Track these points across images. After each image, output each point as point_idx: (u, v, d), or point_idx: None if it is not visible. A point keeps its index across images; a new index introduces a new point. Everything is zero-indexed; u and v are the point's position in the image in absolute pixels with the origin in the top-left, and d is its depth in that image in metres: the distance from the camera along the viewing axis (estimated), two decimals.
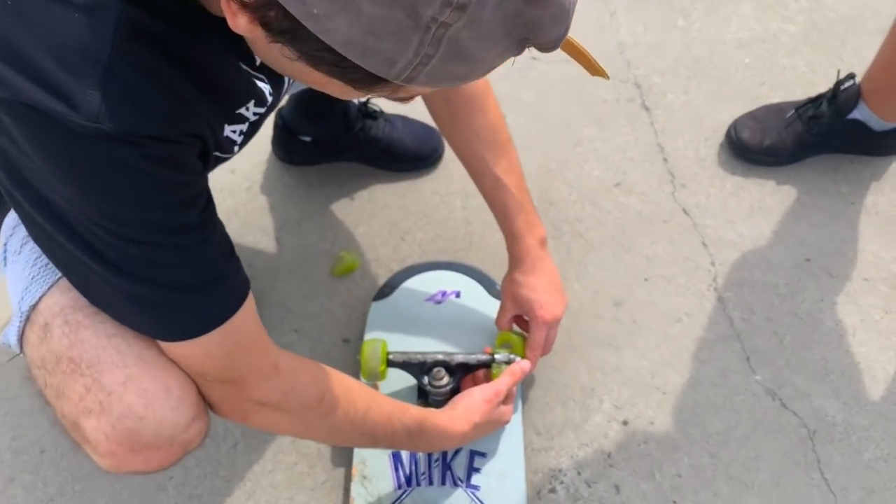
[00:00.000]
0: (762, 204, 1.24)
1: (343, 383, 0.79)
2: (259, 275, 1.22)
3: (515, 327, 1.03)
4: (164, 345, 0.65)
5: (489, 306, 1.10)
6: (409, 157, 1.28)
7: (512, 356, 0.97)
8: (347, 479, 1.02)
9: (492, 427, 0.94)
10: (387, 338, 1.02)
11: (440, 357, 0.99)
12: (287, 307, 1.18)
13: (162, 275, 0.59)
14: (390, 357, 0.99)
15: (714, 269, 1.18)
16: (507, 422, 0.97)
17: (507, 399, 0.95)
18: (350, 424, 0.79)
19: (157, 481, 1.01)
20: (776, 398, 1.05)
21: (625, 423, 1.05)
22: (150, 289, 0.59)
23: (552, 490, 1.01)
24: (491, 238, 1.23)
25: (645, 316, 1.14)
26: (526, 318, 1.00)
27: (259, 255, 1.24)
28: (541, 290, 0.97)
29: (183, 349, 0.64)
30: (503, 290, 1.02)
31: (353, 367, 1.12)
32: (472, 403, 0.91)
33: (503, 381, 0.94)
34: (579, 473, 1.02)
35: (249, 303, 0.67)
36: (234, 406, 0.72)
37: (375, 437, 0.83)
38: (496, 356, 0.98)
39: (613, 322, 1.14)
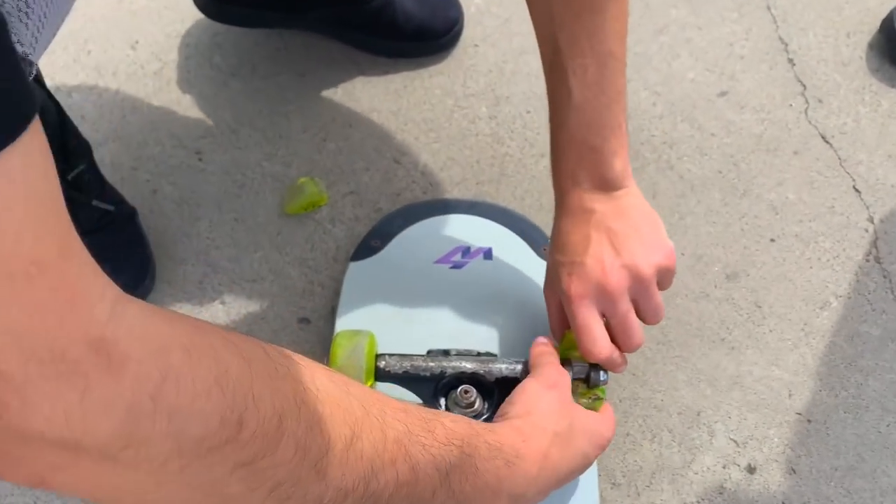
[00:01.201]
0: None
1: (291, 378, 0.35)
2: (168, 208, 0.77)
3: None
4: None
5: (540, 275, 0.68)
6: (411, 31, 0.82)
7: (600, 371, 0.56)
8: None
9: (588, 447, 0.52)
10: (374, 327, 0.60)
11: (467, 366, 0.57)
12: (211, 262, 0.74)
13: None
14: (381, 364, 0.57)
15: (873, 228, 0.77)
16: (609, 439, 0.54)
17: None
18: (307, 478, 0.35)
19: None
20: None
21: (750, 469, 0.66)
22: None
23: None
24: (536, 166, 0.80)
25: (774, 297, 0.73)
26: None
27: (169, 176, 0.79)
28: (575, 245, 0.55)
29: None
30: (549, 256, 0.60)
31: None
32: (533, 398, 0.51)
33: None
34: None
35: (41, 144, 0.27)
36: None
37: (374, 486, 0.38)
38: (573, 363, 0.56)
39: (727, 305, 0.73)
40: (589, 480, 0.60)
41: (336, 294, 0.72)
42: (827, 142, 0.82)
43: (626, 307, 0.54)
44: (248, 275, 0.74)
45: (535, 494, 0.47)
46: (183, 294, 0.73)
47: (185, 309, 0.72)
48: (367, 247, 0.72)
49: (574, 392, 0.55)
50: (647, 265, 0.53)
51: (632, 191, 0.56)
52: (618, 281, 0.53)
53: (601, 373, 0.56)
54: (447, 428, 0.41)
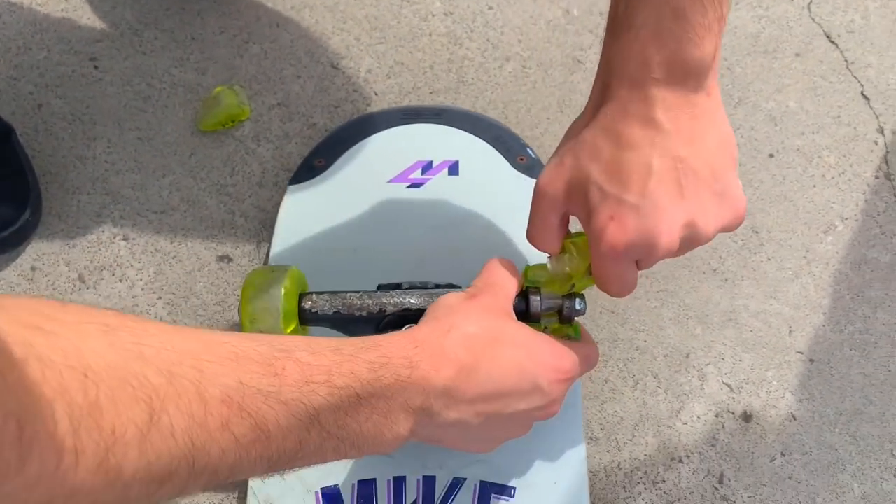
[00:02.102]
0: None
1: (35, 362, 0.24)
2: (57, 127, 0.64)
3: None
4: None
5: (517, 191, 0.58)
6: None
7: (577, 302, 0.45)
8: None
9: (543, 375, 0.40)
10: (316, 261, 0.49)
11: (412, 301, 0.45)
12: (111, 190, 0.62)
13: None
14: (306, 305, 0.46)
15: (883, 140, 0.67)
16: (570, 365, 0.42)
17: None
18: (89, 486, 0.25)
19: None
20: None
21: (746, 417, 0.57)
22: None
23: None
24: (500, 72, 0.68)
25: (773, 220, 0.64)
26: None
27: (58, 87, 0.65)
28: (629, 173, 0.39)
29: None
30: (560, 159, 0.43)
31: (234, 318, 0.59)
32: (444, 306, 0.40)
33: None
34: None
35: None
36: None
37: (203, 461, 0.29)
38: (542, 294, 0.44)
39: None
40: (573, 430, 0.51)
41: (263, 226, 0.61)
42: (832, 42, 0.71)
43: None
44: (155, 205, 0.61)
45: (460, 410, 0.37)
46: (77, 229, 0.61)
47: (80, 246, 0.60)
48: (310, 167, 0.60)
49: (544, 330, 0.44)
50: (712, 227, 0.39)
51: (714, 96, 0.40)
52: (671, 242, 0.38)
53: (577, 301, 0.44)
54: (303, 364, 0.32)
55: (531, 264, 0.46)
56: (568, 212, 0.42)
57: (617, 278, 0.41)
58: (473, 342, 0.37)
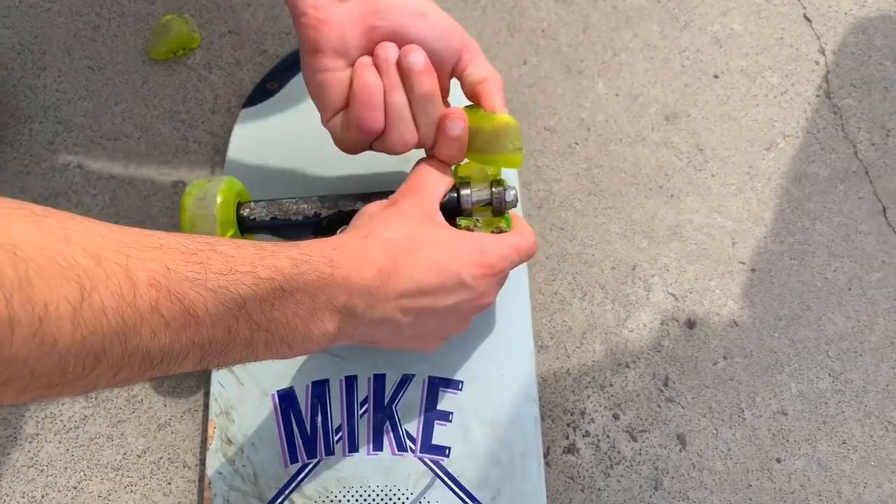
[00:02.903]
0: None
1: None
2: (6, 57, 0.64)
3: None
4: None
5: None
6: None
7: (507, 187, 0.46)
8: (202, 449, 0.53)
9: (466, 274, 0.42)
10: (268, 181, 0.50)
11: (347, 204, 0.47)
12: (63, 119, 0.62)
13: None
14: (244, 212, 0.47)
15: (824, 60, 0.69)
16: (499, 260, 0.44)
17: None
18: (24, 355, 0.27)
19: None
20: None
21: (690, 324, 0.60)
22: None
23: (570, 449, 0.55)
24: None
25: (717, 139, 0.66)
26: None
27: (5, 18, 0.65)
28: None
29: None
30: None
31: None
32: (366, 215, 0.42)
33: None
34: (616, 417, 0.57)
35: None
36: None
37: (135, 341, 0.31)
38: (471, 186, 0.46)
39: (665, 150, 0.65)
40: (522, 329, 0.53)
41: (216, 151, 0.61)
42: None
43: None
44: (108, 132, 0.62)
45: (385, 309, 0.39)
46: (30, 157, 0.61)
47: (34, 174, 0.60)
48: (263, 90, 0.60)
49: (476, 227, 0.46)
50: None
51: None
52: None
53: (507, 192, 0.45)
54: (227, 256, 0.33)
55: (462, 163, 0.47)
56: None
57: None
58: (391, 245, 0.39)
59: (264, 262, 0.34)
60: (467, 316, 0.43)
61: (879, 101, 0.67)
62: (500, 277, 0.43)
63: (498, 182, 0.45)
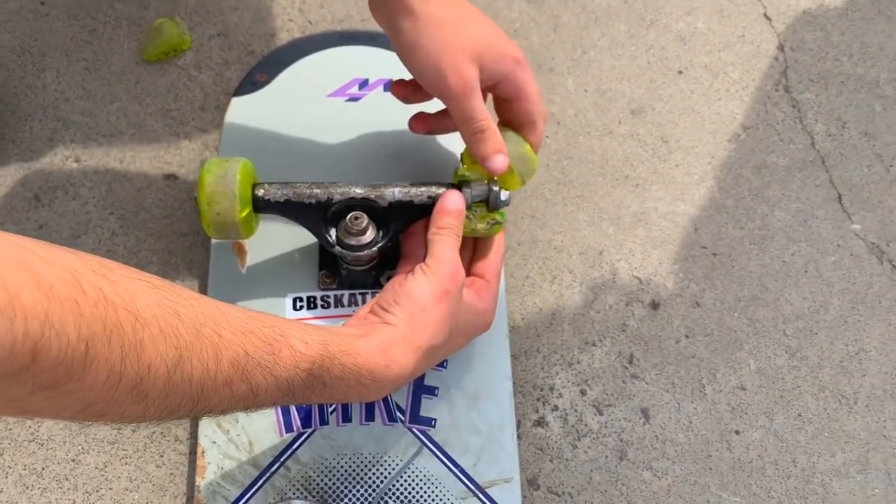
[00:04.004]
0: None
1: (104, 302, 0.33)
2: (7, 59, 0.67)
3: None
4: None
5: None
6: None
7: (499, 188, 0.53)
8: (194, 423, 0.57)
9: (464, 342, 0.52)
10: (259, 166, 0.54)
11: (357, 190, 0.51)
12: (61, 117, 0.66)
13: None
14: (259, 192, 0.51)
15: (783, 56, 0.73)
16: (488, 325, 0.53)
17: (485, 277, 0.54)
18: (123, 400, 0.35)
19: None
20: (884, 259, 0.65)
21: (654, 305, 0.63)
22: None
23: (540, 422, 0.59)
24: None
25: (681, 131, 0.69)
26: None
27: (7, 23, 0.69)
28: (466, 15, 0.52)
29: None
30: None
31: (190, 226, 0.63)
32: (418, 309, 0.46)
33: (490, 251, 0.54)
34: (583, 392, 0.60)
35: None
36: None
37: (204, 404, 0.39)
38: (471, 186, 0.53)
39: (631, 142, 0.68)
40: (499, 320, 0.57)
41: (206, 147, 0.65)
42: None
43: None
44: (104, 129, 0.66)
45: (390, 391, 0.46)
46: (31, 153, 0.64)
47: (34, 168, 0.64)
48: (252, 81, 0.64)
49: (472, 218, 0.52)
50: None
51: None
52: None
53: (501, 192, 0.52)
54: (296, 351, 0.40)
55: (460, 167, 0.54)
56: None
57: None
58: (431, 353, 0.46)
59: (323, 364, 0.41)
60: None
61: (836, 95, 0.71)
62: (477, 306, 0.52)
63: (494, 183, 0.52)
